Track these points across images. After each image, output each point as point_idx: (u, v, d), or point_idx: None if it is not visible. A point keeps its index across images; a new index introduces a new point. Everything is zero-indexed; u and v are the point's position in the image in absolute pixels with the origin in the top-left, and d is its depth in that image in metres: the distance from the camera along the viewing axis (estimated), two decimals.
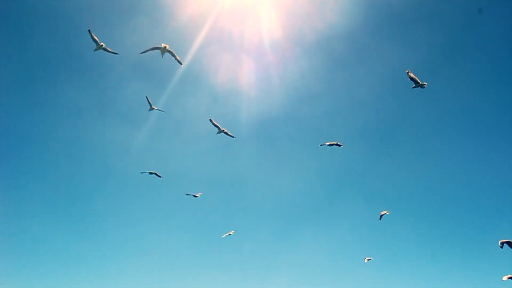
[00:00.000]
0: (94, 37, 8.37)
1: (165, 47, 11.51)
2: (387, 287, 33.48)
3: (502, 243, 11.92)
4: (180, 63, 12.04)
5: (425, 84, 9.79)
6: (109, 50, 8.22)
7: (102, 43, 7.96)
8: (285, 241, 39.14)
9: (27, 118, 39.71)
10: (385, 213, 15.72)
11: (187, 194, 18.13)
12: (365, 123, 48.99)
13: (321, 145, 14.17)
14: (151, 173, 17.05)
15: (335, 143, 14.17)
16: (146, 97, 15.70)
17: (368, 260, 17.94)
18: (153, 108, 15.66)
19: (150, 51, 11.41)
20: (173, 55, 11.84)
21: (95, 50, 7.97)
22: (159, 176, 16.85)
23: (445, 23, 50.69)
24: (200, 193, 18.06)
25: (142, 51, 11.25)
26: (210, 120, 15.43)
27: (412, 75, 9.69)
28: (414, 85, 9.63)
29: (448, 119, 43.53)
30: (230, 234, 19.15)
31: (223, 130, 15.40)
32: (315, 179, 43.18)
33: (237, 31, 51.12)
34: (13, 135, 38.38)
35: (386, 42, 48.32)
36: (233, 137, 15.64)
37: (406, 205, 38.91)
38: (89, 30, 8.96)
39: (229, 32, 50.84)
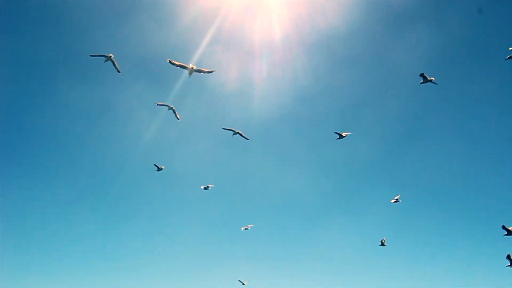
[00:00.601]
0: (99, 54, 8.54)
1: (192, 67, 11.83)
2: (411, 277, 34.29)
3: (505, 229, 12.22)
4: (212, 71, 12.39)
5: (432, 80, 9.78)
6: (116, 64, 8.52)
7: (110, 54, 8.32)
8: (304, 236, 39.61)
9: (29, 117, 40.60)
10: (398, 198, 16.17)
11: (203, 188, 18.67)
12: (371, 120, 49.16)
13: (337, 136, 14.71)
14: (158, 169, 17.80)
15: (343, 134, 14.69)
16: (157, 104, 15.28)
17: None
18: (171, 108, 15.32)
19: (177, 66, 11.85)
20: (201, 71, 12.21)
21: (105, 61, 8.32)
22: (161, 168, 17.50)
23: (445, 23, 50.68)
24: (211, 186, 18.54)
25: (170, 61, 11.59)
26: (223, 128, 15.87)
27: (425, 75, 9.99)
28: (422, 81, 9.63)
29: (449, 119, 43.72)
30: (248, 228, 19.79)
31: (238, 132, 15.74)
32: (331, 173, 43.60)
33: (241, 31, 51.39)
34: (14, 134, 39.32)
35: (389, 41, 48.48)
36: (247, 139, 15.88)
37: (426, 195, 39.20)
38: (91, 55, 9.28)
39: (233, 33, 51.11)
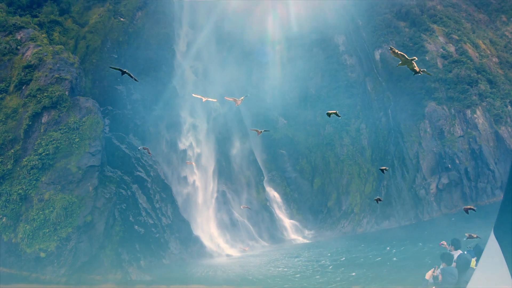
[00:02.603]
0: (117, 68, 9.59)
1: (260, 131, 15.29)
2: None
3: (466, 209, 11.67)
4: (247, 95, 15.84)
5: (414, 59, 8.29)
6: (132, 76, 9.31)
7: (125, 70, 9.28)
8: None
9: None
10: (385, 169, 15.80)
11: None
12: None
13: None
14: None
15: None
16: (193, 94, 17.53)
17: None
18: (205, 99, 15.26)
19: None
20: (263, 131, 15.29)
21: (122, 75, 9.35)
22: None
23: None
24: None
25: (227, 97, 14.64)
26: (251, 129, 17.46)
27: (396, 50, 7.93)
28: (400, 63, 8.34)
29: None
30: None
31: (263, 131, 17.13)
32: None
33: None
34: None
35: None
36: (268, 131, 18.28)
37: None
38: (110, 67, 11.79)
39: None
